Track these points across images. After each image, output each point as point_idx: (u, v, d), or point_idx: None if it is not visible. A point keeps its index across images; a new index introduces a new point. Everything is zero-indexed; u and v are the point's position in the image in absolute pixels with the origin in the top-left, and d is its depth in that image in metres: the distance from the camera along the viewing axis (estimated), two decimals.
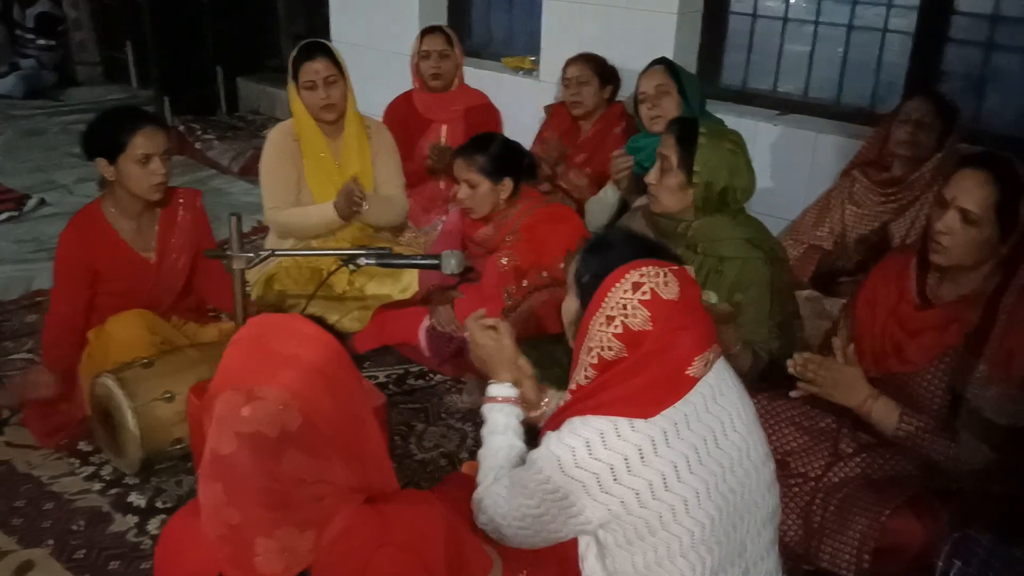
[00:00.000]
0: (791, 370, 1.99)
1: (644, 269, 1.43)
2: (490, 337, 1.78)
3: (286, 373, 1.21)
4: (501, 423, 1.73)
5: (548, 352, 2.57)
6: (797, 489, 2.09)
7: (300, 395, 1.20)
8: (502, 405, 1.75)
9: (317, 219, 3.08)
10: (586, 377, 1.47)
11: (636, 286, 1.42)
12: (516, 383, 1.78)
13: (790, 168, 3.54)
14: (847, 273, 2.95)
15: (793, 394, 2.04)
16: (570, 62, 3.68)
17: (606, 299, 1.43)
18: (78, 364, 2.55)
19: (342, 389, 1.27)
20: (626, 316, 1.41)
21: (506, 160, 2.88)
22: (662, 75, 3.19)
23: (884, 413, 1.98)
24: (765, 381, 2.34)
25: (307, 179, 3.13)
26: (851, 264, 2.93)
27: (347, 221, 3.06)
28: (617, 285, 1.43)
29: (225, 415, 1.18)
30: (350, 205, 2.99)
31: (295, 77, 3.07)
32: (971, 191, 1.90)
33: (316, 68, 3.03)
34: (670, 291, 1.42)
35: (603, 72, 3.65)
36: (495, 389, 1.77)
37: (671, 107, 3.16)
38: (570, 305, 1.58)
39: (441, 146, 3.69)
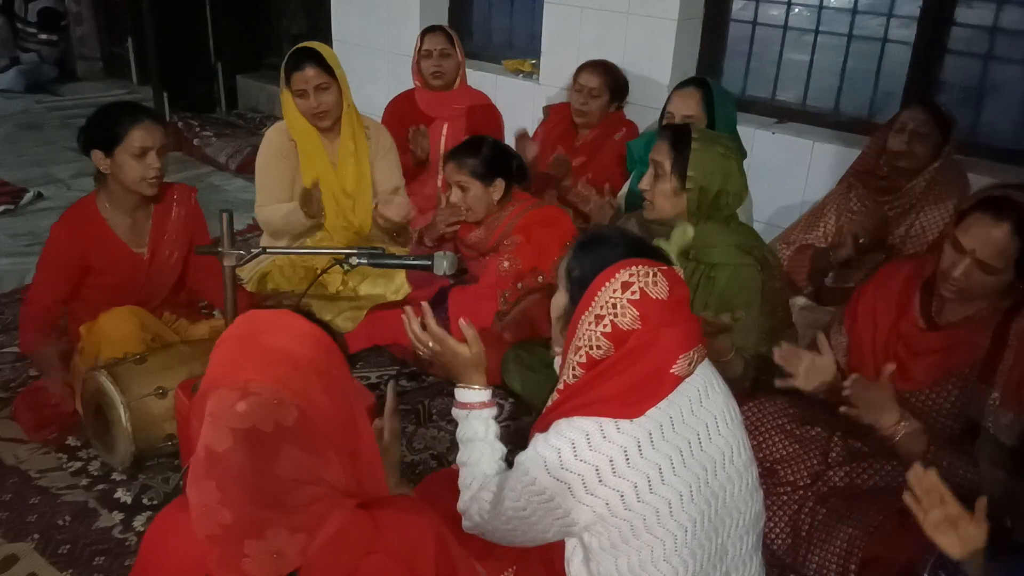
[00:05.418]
0: (845, 392, 1.90)
1: (634, 268, 1.43)
2: (450, 346, 1.72)
3: (280, 368, 1.19)
4: (480, 430, 1.70)
5: (540, 355, 2.57)
6: (786, 498, 2.08)
7: (295, 390, 1.18)
8: (479, 411, 1.71)
9: (285, 213, 3.05)
10: (574, 376, 1.47)
11: (625, 285, 1.42)
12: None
13: (787, 176, 3.55)
14: (843, 266, 2.88)
15: (843, 408, 1.94)
16: (586, 68, 3.59)
17: (596, 298, 1.43)
18: (56, 352, 2.53)
19: (336, 385, 1.25)
20: (615, 315, 1.41)
21: (496, 162, 2.88)
22: (695, 105, 3.03)
23: (912, 440, 1.90)
24: (756, 388, 2.33)
25: (303, 179, 3.12)
26: (849, 252, 2.82)
27: (314, 218, 3.02)
28: (607, 284, 1.42)
29: (219, 411, 1.16)
30: (309, 205, 2.96)
31: (288, 83, 3.07)
32: (991, 244, 1.85)
33: (306, 76, 3.01)
34: (659, 290, 1.42)
35: (616, 88, 3.60)
36: (469, 395, 1.72)
37: None
38: (559, 300, 1.57)
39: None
